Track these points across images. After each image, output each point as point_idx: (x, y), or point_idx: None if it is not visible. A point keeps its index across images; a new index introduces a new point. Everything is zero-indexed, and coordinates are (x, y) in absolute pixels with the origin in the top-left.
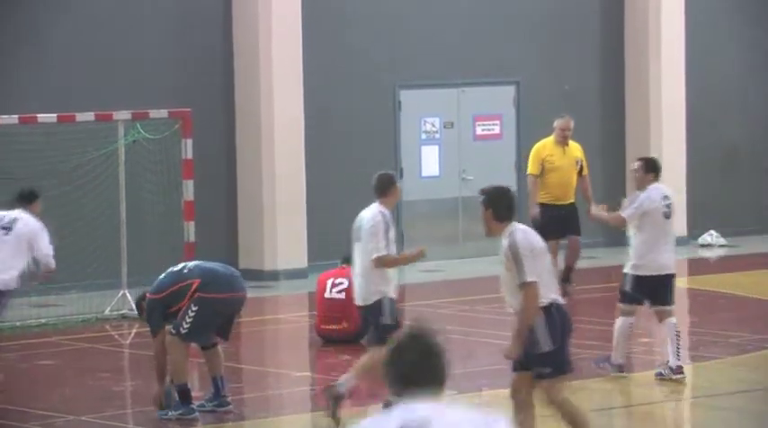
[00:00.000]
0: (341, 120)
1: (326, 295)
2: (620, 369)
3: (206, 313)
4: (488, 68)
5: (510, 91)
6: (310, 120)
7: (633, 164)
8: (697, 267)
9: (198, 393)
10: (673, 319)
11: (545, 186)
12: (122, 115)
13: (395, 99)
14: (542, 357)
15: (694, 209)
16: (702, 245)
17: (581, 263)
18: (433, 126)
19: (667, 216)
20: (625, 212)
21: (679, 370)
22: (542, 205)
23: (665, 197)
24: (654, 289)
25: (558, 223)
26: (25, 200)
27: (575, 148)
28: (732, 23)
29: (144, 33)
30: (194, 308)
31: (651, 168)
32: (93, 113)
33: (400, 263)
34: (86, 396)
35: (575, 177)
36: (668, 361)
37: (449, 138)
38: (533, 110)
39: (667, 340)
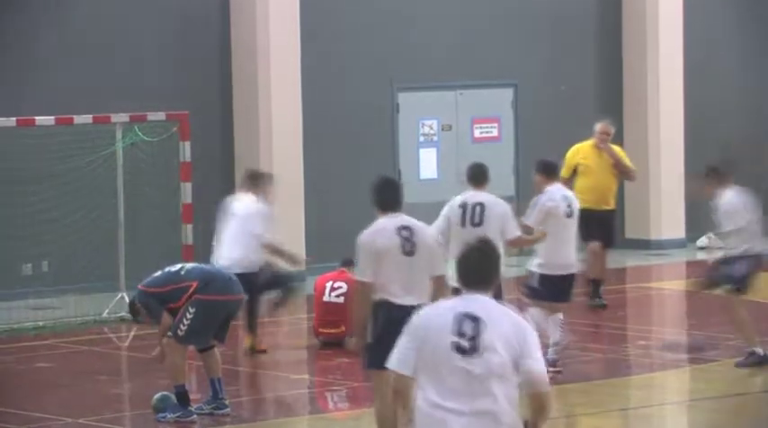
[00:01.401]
0: (339, 123)
1: (325, 298)
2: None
3: (203, 315)
4: (486, 71)
5: (508, 93)
6: (308, 123)
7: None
8: (695, 270)
9: (196, 396)
10: (560, 314)
11: (579, 191)
12: (120, 118)
13: (393, 101)
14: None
15: (692, 212)
16: (701, 248)
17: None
18: (431, 128)
19: (569, 215)
20: (529, 220)
21: (554, 363)
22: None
23: (565, 197)
24: (558, 288)
25: (595, 227)
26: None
27: (612, 150)
28: (731, 24)
29: (141, 35)
30: (192, 310)
31: (544, 170)
32: (91, 116)
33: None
34: (84, 399)
35: (612, 182)
36: (555, 342)
37: (447, 141)
38: (531, 112)
39: (554, 332)
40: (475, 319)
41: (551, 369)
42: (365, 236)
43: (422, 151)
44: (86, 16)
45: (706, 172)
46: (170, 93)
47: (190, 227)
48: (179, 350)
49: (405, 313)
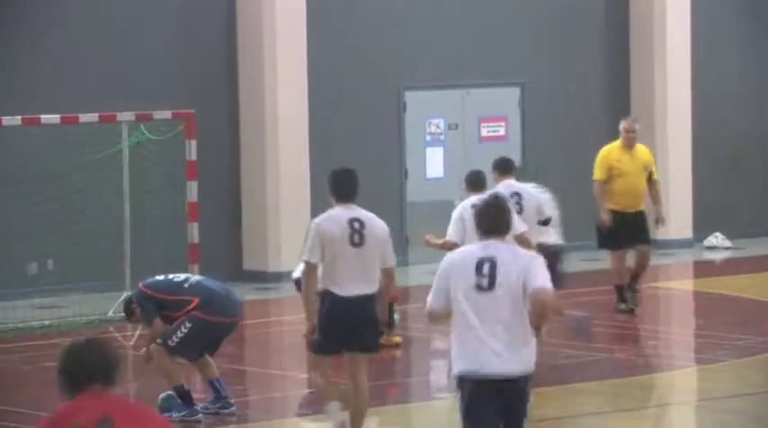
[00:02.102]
0: (345, 121)
1: None
2: None
3: (198, 332)
4: (493, 70)
5: (515, 92)
6: (315, 122)
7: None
8: (702, 269)
9: (201, 395)
10: None
11: (612, 193)
12: (126, 116)
13: (400, 100)
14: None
15: (700, 211)
16: (708, 248)
17: (583, 265)
18: (438, 127)
19: (517, 211)
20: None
21: None
22: (611, 212)
23: (514, 193)
24: None
25: (627, 231)
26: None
27: (643, 152)
28: (738, 23)
29: (147, 33)
30: (188, 325)
31: (497, 167)
32: (96, 115)
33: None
34: None
35: (643, 183)
36: None
37: (454, 140)
38: (538, 111)
39: None
40: (492, 261)
41: None
42: (318, 220)
43: (428, 150)
44: (92, 14)
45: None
46: (176, 92)
47: (196, 225)
48: (166, 356)
49: (347, 305)
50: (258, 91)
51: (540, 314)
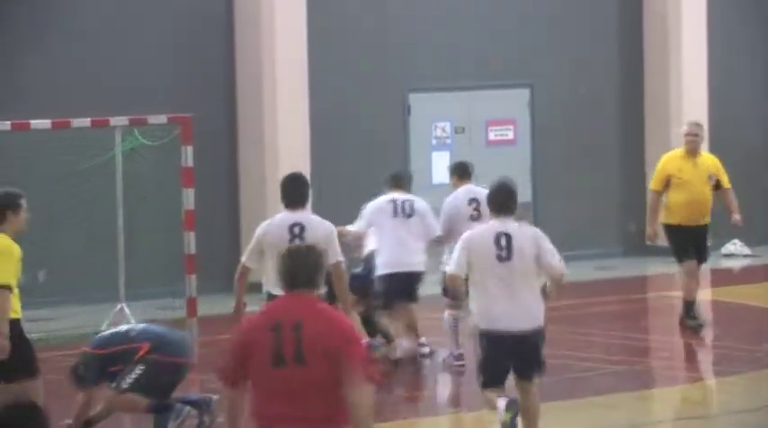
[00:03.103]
0: (348, 126)
1: None
2: (461, 357)
3: (151, 374)
4: (501, 71)
5: (524, 94)
6: (316, 126)
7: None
8: (720, 278)
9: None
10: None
11: (673, 206)
12: (119, 121)
13: (404, 103)
14: None
15: (718, 217)
16: (726, 255)
17: (595, 274)
18: (444, 131)
19: (474, 218)
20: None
21: (460, 357)
22: (672, 226)
23: (473, 199)
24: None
25: (691, 243)
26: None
27: (707, 160)
28: (756, 25)
29: (142, 35)
30: (141, 367)
31: (455, 171)
32: (89, 119)
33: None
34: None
35: (707, 194)
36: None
37: (460, 144)
38: (548, 114)
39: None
40: (507, 235)
41: (456, 363)
42: (261, 227)
43: (434, 154)
44: (85, 16)
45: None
46: (172, 96)
47: (192, 235)
48: (119, 395)
49: None
50: (257, 94)
51: (555, 285)
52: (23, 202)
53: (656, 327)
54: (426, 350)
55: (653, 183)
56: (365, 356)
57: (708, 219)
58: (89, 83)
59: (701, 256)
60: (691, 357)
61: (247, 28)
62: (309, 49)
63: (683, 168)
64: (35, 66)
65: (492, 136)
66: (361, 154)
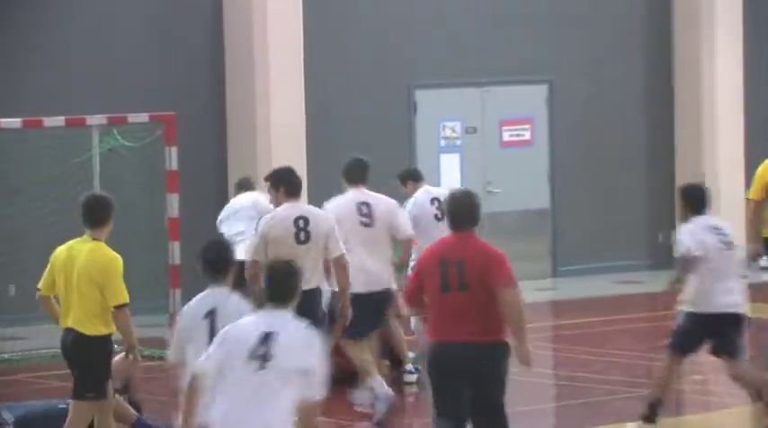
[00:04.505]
0: (347, 125)
1: None
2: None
3: None
4: (517, 65)
5: (542, 91)
6: (312, 126)
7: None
8: (758, 292)
9: None
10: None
11: None
12: (97, 120)
13: (409, 100)
14: None
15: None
16: (763, 268)
17: (621, 289)
18: (454, 131)
19: (438, 217)
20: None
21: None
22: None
23: (434, 199)
24: None
25: None
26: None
27: None
28: None
29: (123, 28)
30: None
31: (409, 176)
32: (63, 118)
33: None
34: None
35: None
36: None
37: (471, 146)
38: (569, 112)
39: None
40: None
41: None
42: (264, 221)
43: (443, 157)
44: (62, 8)
45: None
46: (155, 93)
47: (177, 244)
48: None
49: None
50: (248, 91)
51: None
52: None
53: None
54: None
55: (752, 192)
56: (509, 270)
57: None
58: (64, 79)
59: None
60: (725, 380)
61: (237, 15)
62: (305, 40)
63: None
64: (3, 61)
65: (507, 136)
66: (362, 156)
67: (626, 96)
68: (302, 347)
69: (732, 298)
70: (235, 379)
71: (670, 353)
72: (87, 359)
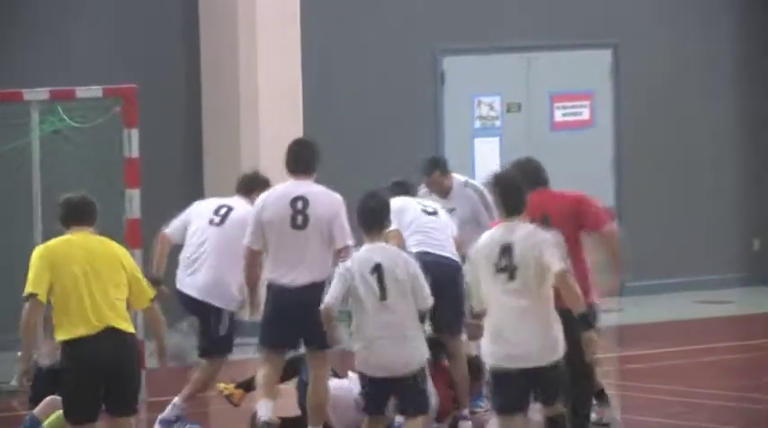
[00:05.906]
0: (356, 101)
1: None
2: None
3: None
4: (571, 26)
5: (605, 57)
6: (311, 101)
7: None
8: None
9: None
10: None
11: None
12: (36, 95)
13: (436, 70)
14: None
15: None
16: None
17: (705, 310)
18: (492, 109)
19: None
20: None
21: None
22: None
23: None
24: None
25: None
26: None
27: None
28: None
29: None
30: None
31: (434, 166)
32: None
33: None
34: None
35: None
36: None
37: (514, 127)
38: (639, 86)
39: None
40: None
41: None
42: (256, 203)
43: (477, 141)
44: None
45: None
46: (113, 63)
47: (138, 253)
48: None
49: (290, 293)
50: (230, 58)
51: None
52: None
53: (742, 377)
54: None
55: None
56: (599, 208)
57: None
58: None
59: None
60: None
61: None
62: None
63: None
64: None
65: (559, 116)
66: (374, 140)
67: (713, 64)
68: None
69: None
70: None
71: None
72: (137, 363)
